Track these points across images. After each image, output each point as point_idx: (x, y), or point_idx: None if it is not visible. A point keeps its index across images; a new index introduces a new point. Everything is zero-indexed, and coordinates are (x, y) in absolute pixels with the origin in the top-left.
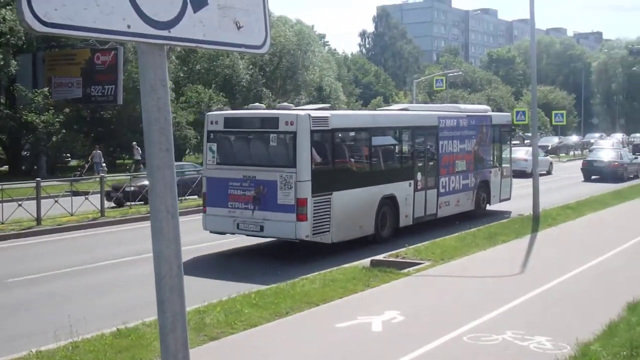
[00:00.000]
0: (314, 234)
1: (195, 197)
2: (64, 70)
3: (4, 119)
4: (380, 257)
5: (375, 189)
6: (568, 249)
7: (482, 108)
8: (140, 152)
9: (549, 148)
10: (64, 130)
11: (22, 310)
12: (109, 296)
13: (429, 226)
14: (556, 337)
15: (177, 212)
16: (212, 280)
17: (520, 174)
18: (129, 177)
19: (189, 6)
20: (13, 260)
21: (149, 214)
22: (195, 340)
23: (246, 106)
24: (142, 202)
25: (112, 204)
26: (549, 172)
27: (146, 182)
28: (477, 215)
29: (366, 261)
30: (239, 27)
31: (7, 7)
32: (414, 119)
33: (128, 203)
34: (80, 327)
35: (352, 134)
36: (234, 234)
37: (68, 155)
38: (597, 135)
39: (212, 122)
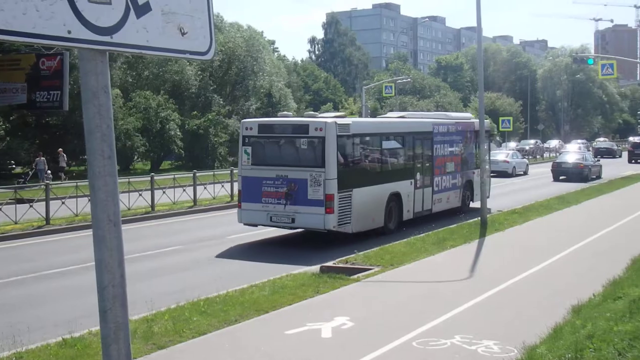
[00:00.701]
0: (338, 225)
1: None
2: (8, 76)
3: None
4: (329, 263)
5: (385, 187)
6: (515, 253)
7: (467, 115)
8: (66, 158)
9: (526, 150)
10: (8, 138)
11: None
12: (53, 305)
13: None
14: (503, 341)
15: (120, 221)
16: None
17: (502, 174)
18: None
19: (132, 12)
20: None
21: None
22: (142, 349)
23: (277, 114)
24: None
25: None
26: (525, 173)
27: None
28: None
29: (316, 267)
30: (183, 33)
31: None
32: (415, 126)
33: None
34: (24, 337)
35: (367, 138)
36: (266, 226)
37: (12, 162)
38: (555, 141)
39: (247, 128)
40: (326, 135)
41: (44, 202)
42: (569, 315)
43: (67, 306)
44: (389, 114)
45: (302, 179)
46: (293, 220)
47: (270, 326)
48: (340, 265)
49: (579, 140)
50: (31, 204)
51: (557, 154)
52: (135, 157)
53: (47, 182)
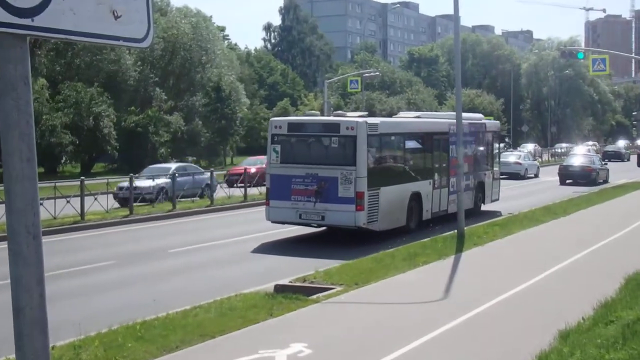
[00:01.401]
0: (367, 222)
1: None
2: None
3: None
4: (285, 281)
5: (408, 186)
6: (495, 271)
7: (478, 116)
8: None
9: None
10: None
11: None
12: None
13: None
14: None
15: (40, 232)
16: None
17: (514, 176)
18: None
19: None
20: None
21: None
22: None
23: (304, 113)
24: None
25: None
26: (536, 175)
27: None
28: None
29: (269, 286)
30: (116, 17)
31: None
32: (434, 126)
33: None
34: None
35: (392, 137)
36: (295, 223)
37: None
38: (531, 145)
39: (276, 127)
40: (357, 134)
41: None
42: (555, 342)
43: None
44: (402, 114)
45: (333, 177)
46: (323, 218)
47: (217, 354)
48: (298, 284)
49: (589, 142)
50: None
51: (564, 156)
52: (63, 159)
53: None
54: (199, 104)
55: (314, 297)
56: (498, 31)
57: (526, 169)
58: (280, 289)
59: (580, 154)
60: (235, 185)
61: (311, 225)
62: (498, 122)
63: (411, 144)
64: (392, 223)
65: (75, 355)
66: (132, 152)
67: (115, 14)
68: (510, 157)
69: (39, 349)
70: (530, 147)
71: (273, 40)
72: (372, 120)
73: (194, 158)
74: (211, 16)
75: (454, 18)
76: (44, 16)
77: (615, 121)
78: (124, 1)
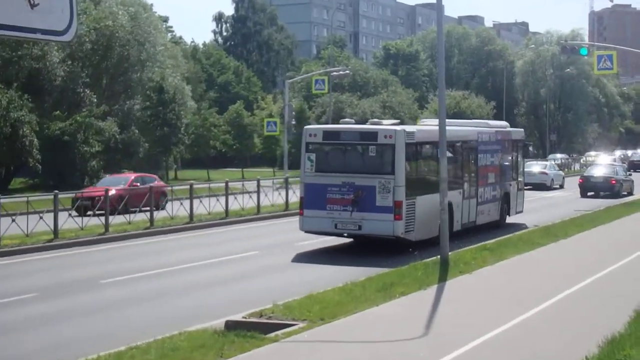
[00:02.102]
0: (405, 232)
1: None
2: None
3: None
4: (238, 317)
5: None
6: (483, 304)
7: (503, 124)
8: None
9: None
10: None
11: None
12: None
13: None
14: None
15: None
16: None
17: (539, 187)
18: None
19: None
20: None
21: None
22: None
23: (339, 121)
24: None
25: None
26: (561, 186)
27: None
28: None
29: (219, 322)
30: (32, 5)
31: None
32: (464, 134)
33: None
34: None
35: (427, 146)
36: (330, 234)
37: None
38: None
39: (310, 135)
40: (396, 143)
41: None
42: None
43: None
44: (425, 120)
45: (370, 186)
46: (360, 227)
47: None
48: (253, 319)
49: (617, 151)
50: None
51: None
52: None
53: None
54: (137, 108)
55: (272, 335)
56: (489, 23)
57: (552, 180)
58: (232, 326)
59: (603, 164)
60: (89, 212)
61: (343, 235)
62: (522, 130)
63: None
64: (427, 233)
65: None
66: (57, 164)
67: (32, 2)
68: (535, 166)
69: None
70: (559, 156)
71: (225, 33)
72: (409, 128)
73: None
74: (152, 5)
75: (437, 7)
76: None
77: (625, 128)
78: None
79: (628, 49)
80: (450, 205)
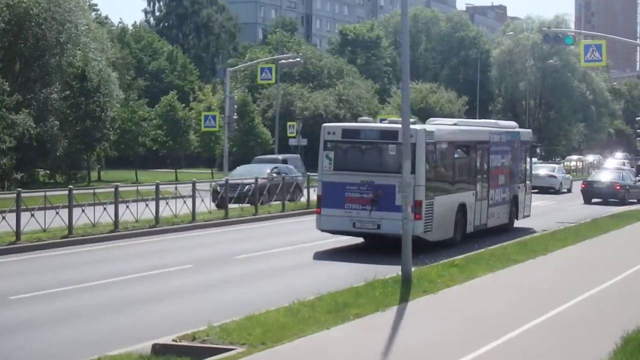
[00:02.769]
0: (424, 232)
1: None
2: None
3: None
4: (167, 339)
5: (456, 197)
6: (448, 328)
7: (512, 124)
8: None
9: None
10: None
11: None
12: None
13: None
14: None
15: None
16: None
17: (547, 190)
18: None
19: None
20: None
21: None
22: None
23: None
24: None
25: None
26: (569, 190)
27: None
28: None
29: (146, 346)
30: None
31: None
32: (478, 135)
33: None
34: None
35: (445, 146)
36: (348, 233)
37: None
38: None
39: (329, 133)
40: (417, 142)
41: None
42: None
43: None
44: (435, 120)
45: (390, 185)
46: (379, 227)
47: None
48: (184, 342)
49: (620, 154)
50: None
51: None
52: None
53: None
54: (55, 98)
55: None
56: (461, 6)
57: (561, 183)
58: (160, 350)
59: (609, 169)
60: None
61: (358, 235)
62: (530, 130)
63: (459, 153)
64: (443, 234)
65: None
66: None
67: None
68: (542, 169)
69: None
70: (574, 158)
71: (157, 13)
72: (429, 127)
73: (47, 172)
74: None
75: None
76: None
77: (615, 128)
78: None
79: (619, 38)
80: (463, 206)
